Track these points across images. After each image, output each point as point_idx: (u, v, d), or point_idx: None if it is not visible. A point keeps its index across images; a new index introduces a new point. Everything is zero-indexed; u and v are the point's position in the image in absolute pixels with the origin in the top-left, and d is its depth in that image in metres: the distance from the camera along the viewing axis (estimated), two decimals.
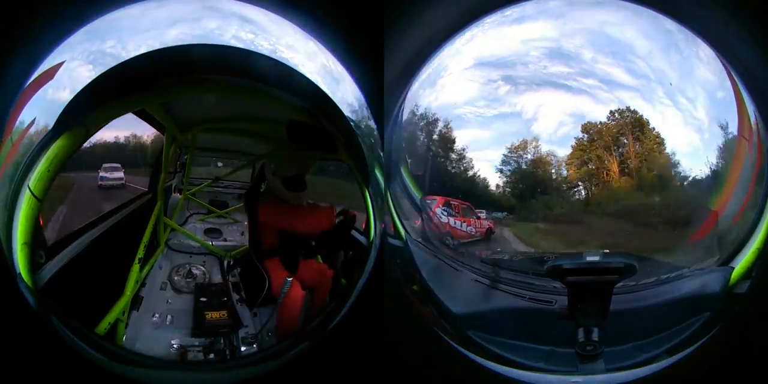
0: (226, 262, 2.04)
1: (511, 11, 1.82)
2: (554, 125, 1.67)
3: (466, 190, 1.79)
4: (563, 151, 1.67)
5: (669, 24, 1.71)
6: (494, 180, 1.74)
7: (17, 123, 1.62)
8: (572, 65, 1.65)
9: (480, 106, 1.75)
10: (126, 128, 1.80)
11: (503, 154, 1.71)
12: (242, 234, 2.11)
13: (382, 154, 1.89)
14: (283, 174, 1.95)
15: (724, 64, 1.70)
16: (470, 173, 1.77)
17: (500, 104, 1.72)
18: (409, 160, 1.90)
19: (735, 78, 1.70)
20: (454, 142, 1.80)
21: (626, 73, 1.63)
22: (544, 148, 1.68)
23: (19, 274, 1.61)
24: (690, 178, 1.63)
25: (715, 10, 1.75)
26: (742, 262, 1.69)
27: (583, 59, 1.65)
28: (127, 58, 1.58)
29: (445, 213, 1.87)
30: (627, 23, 1.70)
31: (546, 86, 1.68)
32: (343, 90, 1.81)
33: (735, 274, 1.69)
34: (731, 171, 1.65)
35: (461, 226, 1.84)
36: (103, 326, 1.72)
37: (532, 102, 1.68)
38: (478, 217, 1.80)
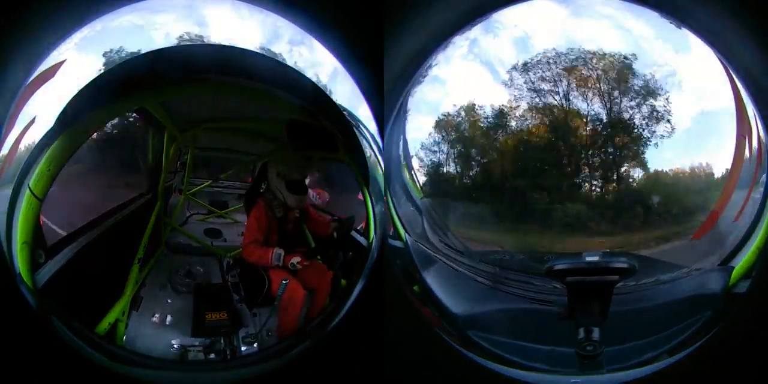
0: (225, 262, 2.04)
1: None
2: (457, 109, 1.65)
3: None
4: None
5: (654, 71, 1.63)
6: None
7: (17, 122, 1.62)
8: (520, 59, 1.63)
9: (433, 66, 1.72)
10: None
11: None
12: (241, 234, 2.10)
13: (382, 154, 1.89)
14: (289, 176, 1.95)
15: (724, 64, 1.70)
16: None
17: (442, 68, 1.70)
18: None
19: (735, 78, 1.70)
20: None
21: None
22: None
23: (19, 274, 1.61)
24: None
25: (715, 10, 1.75)
26: (742, 262, 1.69)
27: (536, 59, 1.63)
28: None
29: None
30: (612, 50, 1.65)
31: (482, 66, 1.66)
32: (343, 90, 1.81)
33: (735, 274, 1.69)
34: (731, 171, 1.65)
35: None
36: (103, 326, 1.71)
37: (459, 77, 1.66)
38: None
